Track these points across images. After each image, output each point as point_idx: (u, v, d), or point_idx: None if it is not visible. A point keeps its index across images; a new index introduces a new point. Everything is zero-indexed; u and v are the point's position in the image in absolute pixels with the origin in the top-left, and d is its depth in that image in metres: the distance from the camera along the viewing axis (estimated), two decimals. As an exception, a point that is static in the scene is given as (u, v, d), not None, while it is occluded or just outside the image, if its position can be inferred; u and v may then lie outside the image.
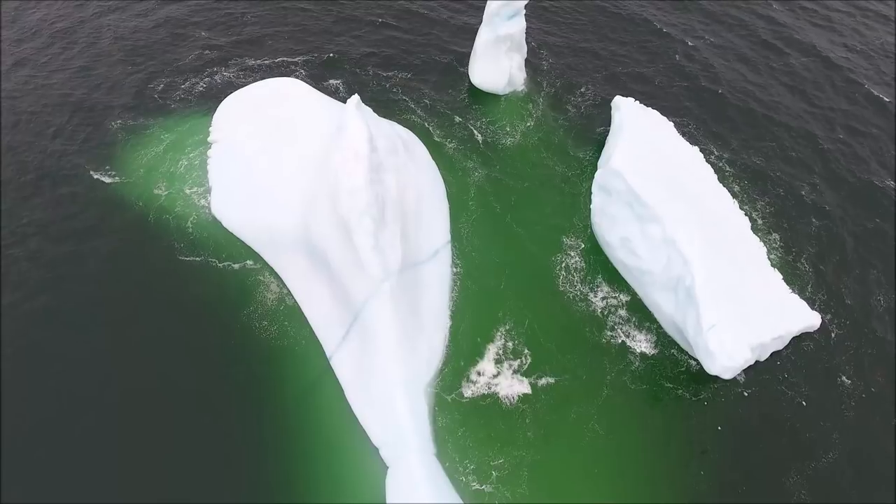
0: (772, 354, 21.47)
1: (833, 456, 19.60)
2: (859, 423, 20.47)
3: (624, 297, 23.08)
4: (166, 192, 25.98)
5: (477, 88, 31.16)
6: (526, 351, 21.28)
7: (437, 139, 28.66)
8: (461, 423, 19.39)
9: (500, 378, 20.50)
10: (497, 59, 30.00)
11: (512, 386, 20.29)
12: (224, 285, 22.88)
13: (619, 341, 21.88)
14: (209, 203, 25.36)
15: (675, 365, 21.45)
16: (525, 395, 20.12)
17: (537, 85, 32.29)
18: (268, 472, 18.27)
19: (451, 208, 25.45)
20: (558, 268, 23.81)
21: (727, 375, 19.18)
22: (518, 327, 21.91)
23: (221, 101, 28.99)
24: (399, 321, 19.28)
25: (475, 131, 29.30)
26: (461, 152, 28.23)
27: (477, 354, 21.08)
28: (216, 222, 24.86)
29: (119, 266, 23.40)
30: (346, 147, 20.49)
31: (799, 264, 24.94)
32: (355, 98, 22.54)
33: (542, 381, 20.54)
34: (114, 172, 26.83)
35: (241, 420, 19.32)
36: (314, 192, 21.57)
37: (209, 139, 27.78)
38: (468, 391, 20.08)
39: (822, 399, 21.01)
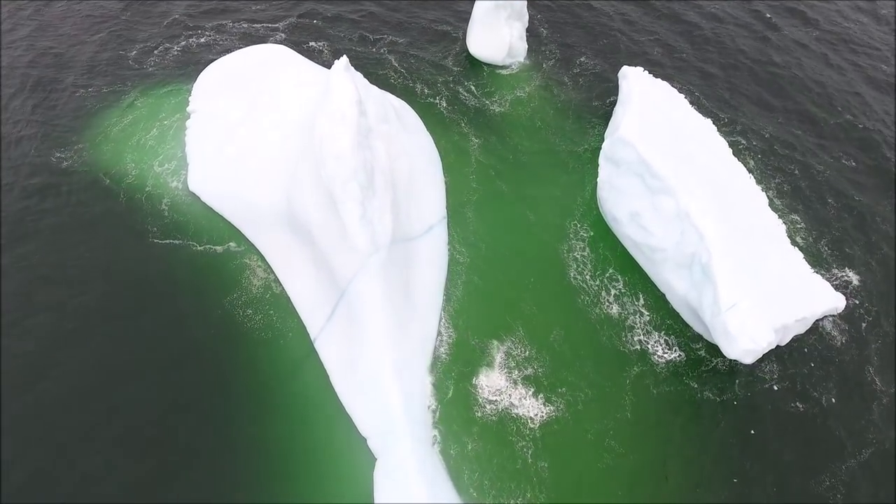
0: (792, 339, 19.87)
1: (864, 456, 17.91)
2: (890, 418, 18.80)
3: (638, 284, 21.25)
4: (136, 169, 24.05)
5: (475, 59, 29.36)
6: (533, 352, 19.11)
7: (432, 111, 26.86)
8: (471, 454, 16.92)
9: (510, 391, 18.09)
10: (497, 28, 28.19)
11: (523, 401, 17.89)
12: (207, 271, 20.97)
13: (637, 339, 19.82)
14: (186, 178, 23.57)
15: (699, 364, 19.41)
16: (540, 413, 17.72)
17: (539, 56, 30.49)
18: (243, 468, 16.50)
19: (448, 183, 23.72)
20: (565, 252, 21.95)
21: (748, 360, 17.55)
22: (524, 322, 19.85)
23: (197, 67, 27.24)
24: (389, 299, 17.56)
25: (474, 103, 27.50)
26: (459, 125, 26.45)
27: (482, 360, 18.77)
28: (194, 198, 23.07)
29: (88, 252, 21.37)
30: (333, 110, 18.71)
31: (819, 244, 23.30)
32: (343, 59, 20.75)
33: (557, 396, 18.17)
34: (79, 147, 24.88)
35: (214, 412, 17.55)
36: (298, 161, 19.79)
37: (188, 109, 25.97)
38: (477, 411, 17.65)
39: (852, 393, 19.22)
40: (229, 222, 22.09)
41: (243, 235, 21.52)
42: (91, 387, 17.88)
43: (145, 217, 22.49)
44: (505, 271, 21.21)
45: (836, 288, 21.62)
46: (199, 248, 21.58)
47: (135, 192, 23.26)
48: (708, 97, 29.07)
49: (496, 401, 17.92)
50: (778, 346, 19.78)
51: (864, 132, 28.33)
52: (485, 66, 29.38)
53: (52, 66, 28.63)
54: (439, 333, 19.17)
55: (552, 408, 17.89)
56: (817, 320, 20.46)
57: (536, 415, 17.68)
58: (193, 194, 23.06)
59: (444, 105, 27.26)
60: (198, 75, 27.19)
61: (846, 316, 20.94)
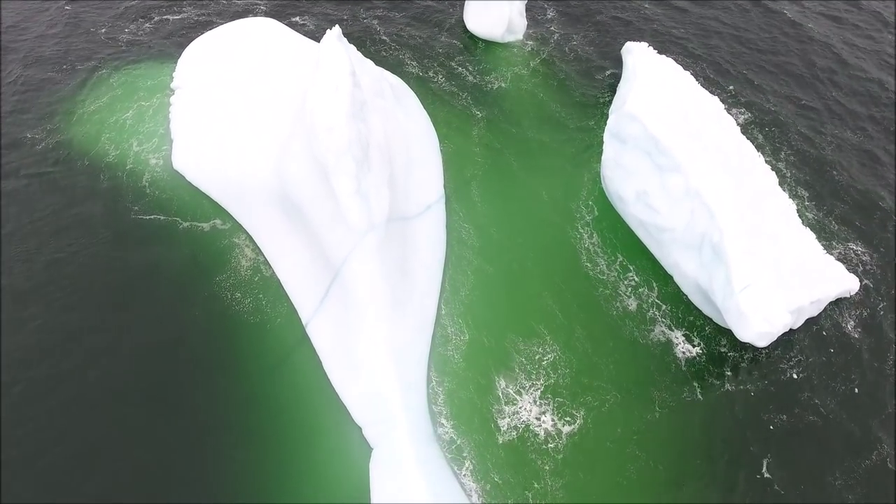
0: (811, 324, 19.13)
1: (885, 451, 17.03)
2: None
3: (649, 270, 20.19)
4: (116, 149, 22.80)
5: (473, 34, 28.25)
6: (555, 355, 17.80)
7: (429, 87, 25.80)
8: (490, 469, 15.63)
9: (530, 404, 16.71)
10: (495, 3, 27.08)
11: (544, 417, 16.51)
12: (192, 251, 19.87)
13: (660, 331, 18.71)
14: (167, 156, 22.37)
15: (720, 359, 18.32)
16: (562, 428, 16.36)
17: (539, 32, 29.43)
18: (233, 461, 15.47)
19: (447, 165, 22.68)
20: (574, 236, 20.95)
21: (762, 342, 16.75)
22: (544, 319, 18.60)
23: (176, 44, 26.04)
24: (385, 279, 16.55)
25: (473, 79, 26.46)
26: (459, 101, 25.42)
27: (498, 366, 17.47)
28: (178, 177, 21.91)
29: (67, 233, 20.21)
30: (325, 80, 17.58)
31: (829, 218, 22.49)
32: (336, 29, 19.61)
33: (581, 406, 16.85)
34: (52, 128, 23.54)
35: (204, 400, 16.49)
36: (289, 135, 18.66)
37: (171, 86, 24.76)
38: (501, 422, 16.36)
39: (872, 383, 18.30)
40: (215, 201, 20.97)
41: (230, 214, 20.41)
42: (69, 374, 16.78)
43: (127, 194, 21.36)
44: (516, 259, 20.16)
45: (848, 265, 20.91)
46: (184, 225, 20.44)
47: (115, 171, 22.08)
48: (711, 72, 28.20)
49: (515, 413, 16.62)
50: (795, 333, 19.06)
51: (870, 105, 27.56)
52: (482, 42, 28.29)
53: (19, 45, 27.17)
54: (449, 331, 18.13)
55: (576, 421, 16.57)
56: (830, 302, 19.71)
57: (558, 430, 16.35)
58: (177, 173, 21.91)
59: (442, 81, 26.18)
60: (176, 52, 26.03)
61: (861, 297, 20.19)
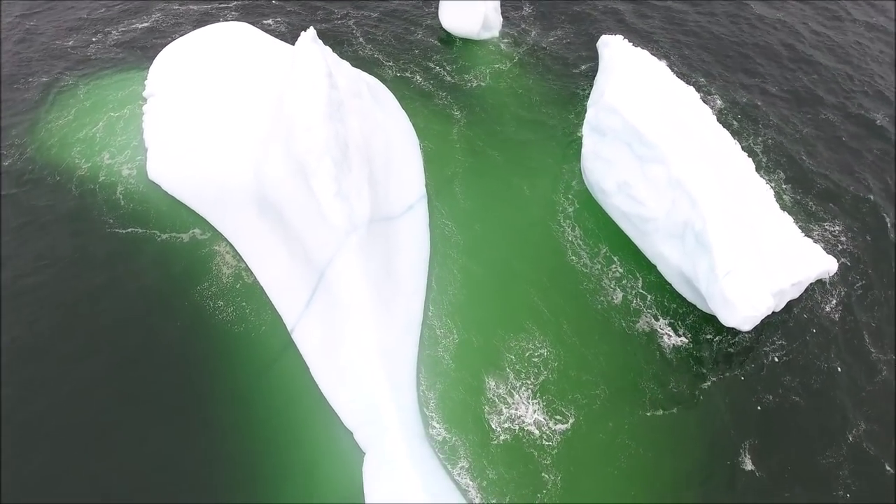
0: (792, 307, 19.41)
1: (866, 427, 17.24)
2: (892, 386, 18.13)
3: (632, 260, 20.29)
4: (87, 162, 22.24)
5: (449, 33, 28.21)
6: (544, 351, 17.74)
7: (407, 87, 25.67)
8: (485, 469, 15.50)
9: (522, 402, 16.59)
10: (470, 1, 27.05)
11: (536, 415, 16.39)
12: (172, 261, 19.48)
13: (646, 322, 18.78)
14: (142, 167, 21.92)
15: (705, 345, 18.46)
16: (554, 425, 16.25)
17: (515, 29, 29.49)
18: (220, 474, 15.14)
19: (428, 164, 22.58)
20: (558, 230, 20.97)
21: (747, 326, 16.93)
22: (531, 315, 18.52)
23: (145, 53, 25.58)
24: (370, 280, 16.38)
25: (451, 78, 26.38)
26: (437, 99, 25.32)
27: (488, 365, 17.36)
28: (154, 188, 21.47)
29: (42, 249, 19.65)
30: (301, 82, 17.36)
31: (806, 199, 22.88)
32: (310, 31, 19.42)
33: (571, 403, 16.79)
34: (21, 143, 22.90)
35: (190, 413, 16.15)
36: (266, 138, 18.39)
37: (144, 94, 24.27)
38: (494, 421, 16.23)
39: (852, 361, 18.62)
40: (193, 210, 20.60)
41: (209, 223, 20.06)
42: (54, 386, 16.32)
43: (101, 209, 20.87)
44: (501, 255, 20.08)
45: (826, 246, 21.30)
46: (162, 237, 20.05)
47: (87, 185, 21.56)
48: (682, 64, 28.52)
49: (508, 414, 16.46)
50: (778, 316, 19.29)
51: (837, 93, 28.13)
52: (459, 40, 28.25)
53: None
54: (437, 332, 17.98)
55: (569, 419, 16.47)
56: (811, 283, 20.02)
57: (550, 427, 16.28)
58: (153, 183, 21.48)
59: (420, 80, 26.07)
60: (145, 61, 25.56)
61: (840, 277, 20.56)
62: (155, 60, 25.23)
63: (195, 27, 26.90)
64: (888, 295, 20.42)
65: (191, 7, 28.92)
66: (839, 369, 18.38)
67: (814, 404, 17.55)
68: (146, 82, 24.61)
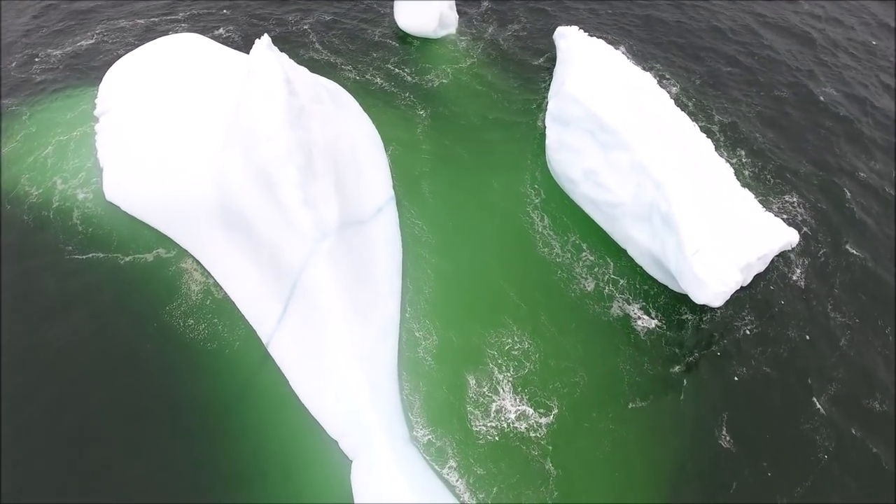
0: (758, 280, 19.94)
1: (836, 391, 17.86)
2: (857, 349, 18.86)
3: (602, 246, 20.56)
4: (38, 189, 21.31)
5: (406, 33, 28.08)
6: (524, 345, 17.76)
7: (368, 91, 25.44)
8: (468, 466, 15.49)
9: (505, 396, 16.62)
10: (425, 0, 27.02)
11: (521, 404, 16.49)
12: (137, 283, 18.84)
13: (619, 307, 19.00)
14: (101, 187, 21.18)
15: (679, 325, 18.79)
16: (539, 416, 16.33)
17: (472, 25, 29.58)
18: (210, 495, 14.73)
19: (395, 165, 22.43)
20: (527, 222, 21.08)
21: (718, 302, 17.32)
22: (508, 311, 18.55)
23: (93, 71, 24.66)
24: (344, 286, 16.17)
25: (411, 78, 26.25)
26: (399, 103, 25.16)
27: (469, 361, 17.33)
28: (112, 209, 20.76)
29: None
30: (259, 90, 17.02)
31: (764, 174, 23.59)
32: (265, 38, 19.04)
33: (552, 392, 16.85)
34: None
35: (168, 440, 15.65)
36: (226, 150, 17.97)
37: (95, 113, 23.44)
38: (478, 418, 16.21)
39: (819, 327, 19.27)
40: (156, 229, 20.00)
41: (173, 241, 19.52)
42: (31, 420, 15.64)
43: (58, 236, 20.02)
44: (474, 251, 20.08)
45: (787, 217, 22.02)
46: (125, 259, 19.42)
47: (40, 212, 20.67)
48: (638, 52, 29.05)
49: (493, 409, 16.44)
50: (746, 291, 19.80)
51: (784, 72, 29.08)
52: (417, 40, 28.15)
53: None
54: (417, 334, 17.86)
55: (552, 410, 16.54)
56: (776, 256, 20.61)
57: (535, 420, 16.34)
58: (111, 204, 20.77)
59: (381, 83, 25.88)
60: (94, 79, 24.64)
61: (803, 248, 21.23)
62: (105, 77, 24.38)
63: (143, 41, 26.09)
64: (849, 261, 21.18)
65: (137, 21, 28.04)
66: (807, 337, 18.99)
67: (785, 373, 18.08)
68: (97, 100, 23.77)
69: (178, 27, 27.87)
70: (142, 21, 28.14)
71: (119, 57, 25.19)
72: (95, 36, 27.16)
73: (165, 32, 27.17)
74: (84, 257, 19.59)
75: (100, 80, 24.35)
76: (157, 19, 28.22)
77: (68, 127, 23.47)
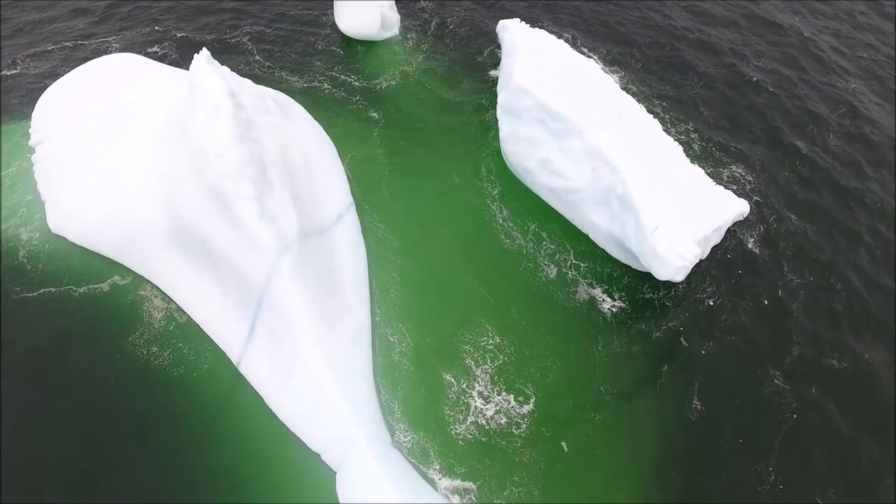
0: (715, 251, 20.63)
1: (798, 354, 18.61)
2: (808, 314, 19.68)
3: (561, 234, 20.83)
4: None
5: (348, 37, 27.78)
6: (497, 338, 17.89)
7: (318, 99, 25.03)
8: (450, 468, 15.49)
9: (480, 387, 16.64)
10: (364, 1, 26.75)
11: (499, 396, 16.57)
12: (94, 315, 18.05)
13: (584, 292, 19.31)
14: (45, 221, 20.19)
15: (643, 303, 19.23)
16: (518, 405, 16.50)
17: (415, 24, 29.49)
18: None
19: (352, 170, 22.19)
20: (489, 216, 21.15)
21: (679, 277, 17.82)
22: (481, 308, 18.58)
23: (23, 99, 23.41)
24: (311, 298, 15.90)
25: (359, 84, 25.98)
26: (350, 108, 24.86)
27: (444, 356, 17.29)
28: (60, 242, 19.82)
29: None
30: (203, 105, 16.55)
31: (710, 152, 24.47)
32: (204, 52, 18.53)
33: (527, 380, 17.03)
34: None
35: (142, 479, 15.02)
36: (173, 169, 17.39)
37: (30, 143, 22.30)
38: (459, 415, 16.20)
39: (777, 291, 20.07)
40: (108, 258, 19.22)
41: (127, 268, 18.79)
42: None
43: (3, 278, 18.87)
44: (438, 249, 20.01)
45: (737, 188, 22.91)
46: (79, 291, 18.57)
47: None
48: (577, 41, 29.60)
49: (473, 406, 16.50)
50: (705, 263, 20.45)
51: (724, 54, 30.18)
52: (360, 43, 27.90)
53: None
54: (390, 338, 17.71)
55: (530, 399, 16.71)
56: (730, 228, 21.37)
57: (516, 411, 16.46)
58: (57, 237, 19.84)
59: (329, 89, 25.54)
60: (24, 109, 23.42)
61: (756, 216, 22.09)
62: (36, 105, 23.19)
63: (74, 66, 24.95)
64: (797, 224, 22.15)
65: (64, 44, 26.76)
66: (766, 302, 19.77)
67: (749, 340, 18.78)
68: (30, 131, 22.62)
69: (110, 48, 26.80)
70: (69, 44, 26.90)
71: (48, 84, 24.04)
72: (18, 65, 25.80)
73: (97, 54, 26.06)
74: (34, 294, 18.66)
75: (30, 110, 23.19)
76: (85, 41, 27.04)
77: (1, 164, 22.23)
